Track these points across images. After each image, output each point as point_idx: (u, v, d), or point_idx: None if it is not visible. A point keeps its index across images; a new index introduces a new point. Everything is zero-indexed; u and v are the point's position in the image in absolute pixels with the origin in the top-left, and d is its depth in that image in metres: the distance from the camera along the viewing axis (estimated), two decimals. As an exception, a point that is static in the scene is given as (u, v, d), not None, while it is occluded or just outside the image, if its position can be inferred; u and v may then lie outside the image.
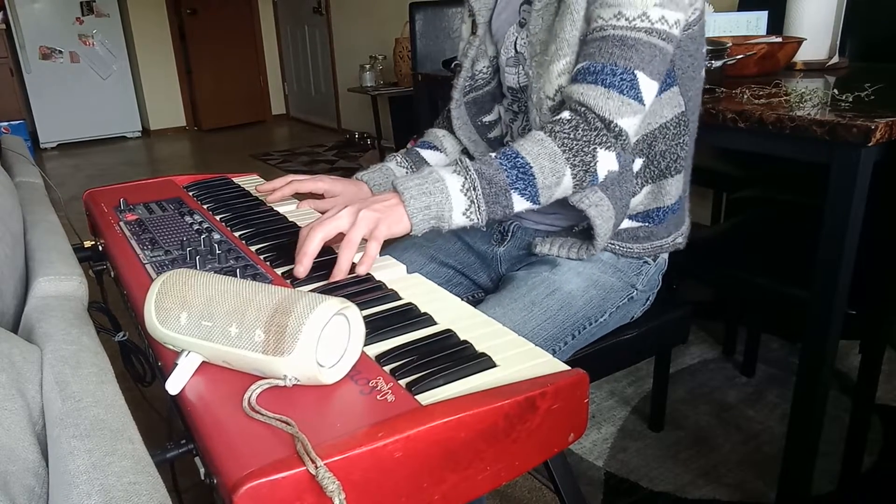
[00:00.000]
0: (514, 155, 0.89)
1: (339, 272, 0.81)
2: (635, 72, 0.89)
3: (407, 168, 1.19)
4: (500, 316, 0.94)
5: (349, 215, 0.82)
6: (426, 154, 1.22)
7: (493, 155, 0.90)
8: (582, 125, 0.90)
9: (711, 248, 1.58)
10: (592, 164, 0.91)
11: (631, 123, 0.91)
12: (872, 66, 1.65)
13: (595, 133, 0.90)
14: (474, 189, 0.86)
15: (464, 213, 0.87)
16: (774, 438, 1.62)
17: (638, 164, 1.02)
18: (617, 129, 0.90)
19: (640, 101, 0.90)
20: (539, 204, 0.91)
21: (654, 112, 0.99)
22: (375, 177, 1.15)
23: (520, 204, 0.89)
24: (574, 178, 0.90)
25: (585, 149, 0.89)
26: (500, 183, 0.87)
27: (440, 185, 0.86)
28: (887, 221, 1.32)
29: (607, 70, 0.89)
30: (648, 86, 0.90)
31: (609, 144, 0.91)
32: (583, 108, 0.91)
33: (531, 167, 0.88)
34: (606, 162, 0.92)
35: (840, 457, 1.45)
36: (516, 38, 1.07)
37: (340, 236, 0.82)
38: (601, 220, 0.97)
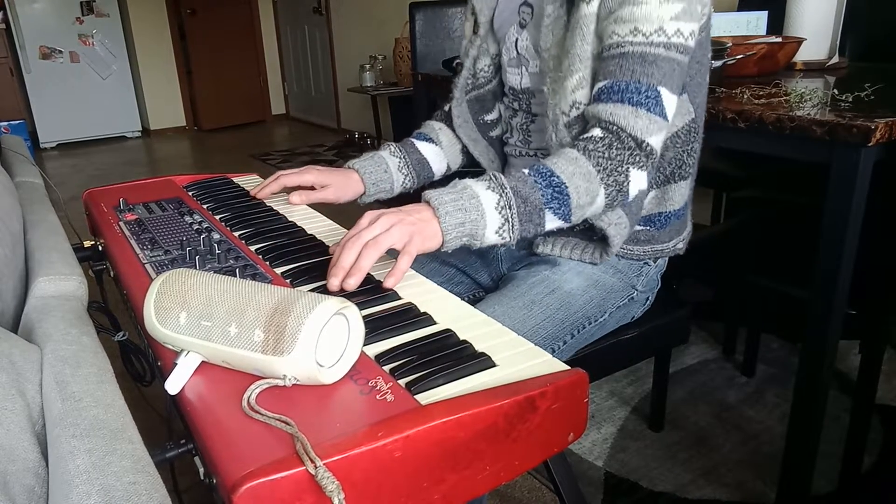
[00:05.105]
0: (548, 174, 0.87)
1: (358, 270, 0.77)
2: (658, 88, 0.88)
3: (400, 158, 1.17)
4: (499, 314, 0.94)
5: (383, 225, 0.79)
6: (421, 145, 1.21)
7: (526, 172, 0.87)
8: (616, 144, 0.89)
9: (711, 248, 1.58)
10: (625, 185, 0.90)
11: (658, 141, 0.90)
12: (872, 66, 1.65)
13: (629, 153, 0.89)
14: (509, 207, 0.84)
15: (496, 232, 0.84)
16: (774, 438, 1.62)
17: None
18: (648, 147, 0.89)
19: (665, 116, 0.90)
20: (570, 223, 0.89)
21: None
22: (367, 165, 1.14)
23: (551, 223, 0.88)
24: (607, 197, 0.89)
25: (619, 168, 0.88)
26: (535, 202, 0.85)
27: (475, 203, 0.83)
28: (887, 221, 1.32)
29: (632, 88, 0.88)
30: (670, 101, 0.90)
31: (641, 164, 0.90)
32: (615, 128, 0.89)
33: (566, 186, 0.86)
34: (638, 181, 0.91)
35: (840, 457, 1.45)
36: (517, 38, 1.06)
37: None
38: (619, 238, 0.97)
